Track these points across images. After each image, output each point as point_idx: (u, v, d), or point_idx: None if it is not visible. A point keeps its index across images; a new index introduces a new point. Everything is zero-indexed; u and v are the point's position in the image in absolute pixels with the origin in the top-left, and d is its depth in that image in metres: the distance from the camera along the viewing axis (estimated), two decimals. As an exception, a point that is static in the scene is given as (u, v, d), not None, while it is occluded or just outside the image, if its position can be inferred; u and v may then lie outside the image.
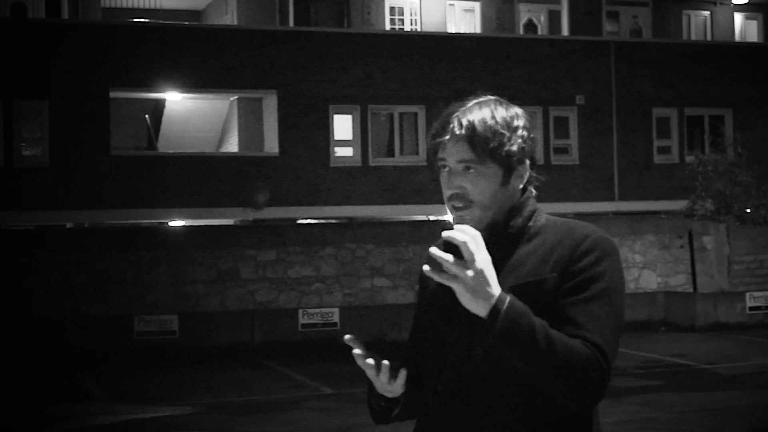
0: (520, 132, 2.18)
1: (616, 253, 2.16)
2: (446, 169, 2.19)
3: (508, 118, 2.17)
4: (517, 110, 2.22)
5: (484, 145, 2.13)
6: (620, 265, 2.17)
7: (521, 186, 2.22)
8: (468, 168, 2.15)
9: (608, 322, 2.06)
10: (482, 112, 2.16)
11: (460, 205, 2.17)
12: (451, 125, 2.16)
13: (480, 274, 1.94)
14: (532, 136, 2.21)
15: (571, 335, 2.02)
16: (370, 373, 2.17)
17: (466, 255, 1.95)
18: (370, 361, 2.15)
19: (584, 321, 2.04)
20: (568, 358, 1.97)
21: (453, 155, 2.16)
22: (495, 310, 1.96)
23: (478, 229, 2.16)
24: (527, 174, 2.22)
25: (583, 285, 2.09)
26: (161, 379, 14.99)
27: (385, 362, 2.16)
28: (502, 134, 2.15)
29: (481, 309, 1.97)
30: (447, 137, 2.16)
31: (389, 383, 2.17)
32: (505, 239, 2.19)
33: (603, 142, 21.24)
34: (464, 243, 1.95)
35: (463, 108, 2.19)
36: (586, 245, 2.13)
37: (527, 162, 2.21)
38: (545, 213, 2.26)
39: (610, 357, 2.03)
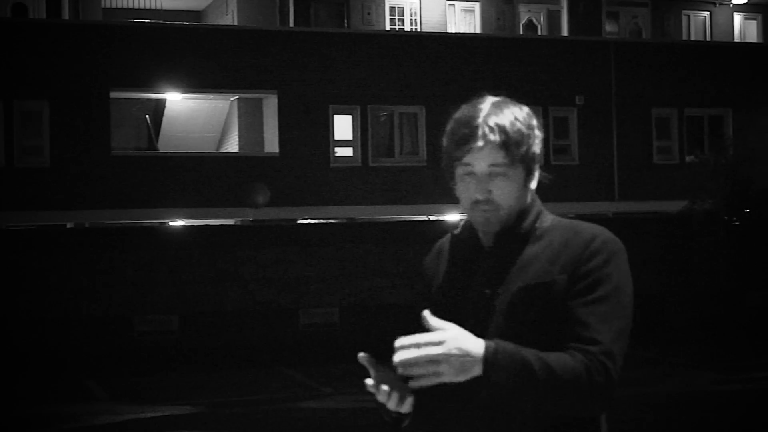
0: (536, 132, 2.20)
1: (623, 254, 2.18)
2: (472, 174, 2.18)
3: (527, 118, 2.19)
4: (527, 109, 2.24)
5: (517, 148, 2.14)
6: (627, 265, 2.18)
7: (534, 186, 2.25)
8: (497, 172, 2.15)
9: (617, 322, 2.08)
10: (505, 114, 2.16)
11: (488, 208, 2.17)
12: (481, 131, 2.14)
13: (457, 352, 1.93)
14: (543, 135, 2.24)
15: (580, 336, 2.04)
16: (382, 398, 2.16)
17: (434, 325, 1.95)
18: (385, 387, 2.13)
19: (593, 322, 2.05)
20: (572, 376, 1.98)
21: (484, 160, 2.15)
22: (486, 367, 1.95)
23: (499, 228, 2.19)
24: (538, 174, 2.25)
25: (592, 286, 2.10)
26: (161, 379, 15.00)
27: (395, 393, 2.14)
28: (528, 135, 2.17)
29: (475, 372, 1.96)
30: (480, 143, 2.14)
31: (397, 406, 2.17)
32: (513, 240, 2.21)
33: (603, 142, 21.24)
34: (430, 336, 1.94)
35: (483, 112, 2.17)
36: (594, 246, 2.14)
37: (541, 162, 2.24)
38: (550, 214, 2.27)
39: (617, 357, 2.04)
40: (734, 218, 19.36)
